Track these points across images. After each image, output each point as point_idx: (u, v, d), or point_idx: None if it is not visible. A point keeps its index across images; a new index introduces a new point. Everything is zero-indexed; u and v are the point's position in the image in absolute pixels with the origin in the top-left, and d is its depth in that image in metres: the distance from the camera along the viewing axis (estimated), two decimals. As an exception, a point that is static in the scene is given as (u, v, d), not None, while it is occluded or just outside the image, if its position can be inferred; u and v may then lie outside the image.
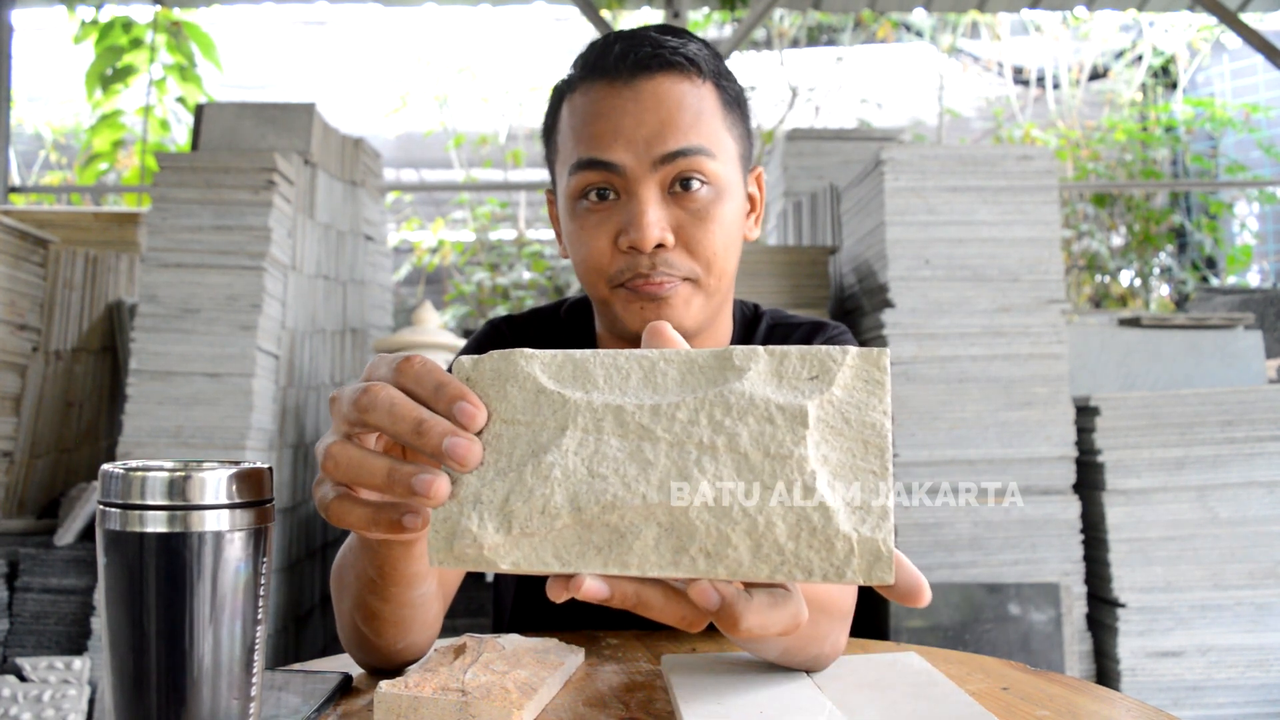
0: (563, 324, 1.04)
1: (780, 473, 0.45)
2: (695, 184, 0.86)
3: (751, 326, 1.04)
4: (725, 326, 1.00)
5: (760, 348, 0.48)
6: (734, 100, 0.92)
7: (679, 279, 0.87)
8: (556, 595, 0.45)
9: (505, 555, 0.46)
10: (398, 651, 0.76)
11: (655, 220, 0.84)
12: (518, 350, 0.50)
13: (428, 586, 0.72)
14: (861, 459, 0.45)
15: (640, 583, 0.46)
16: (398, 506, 0.51)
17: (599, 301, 0.91)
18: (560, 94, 0.93)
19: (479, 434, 0.49)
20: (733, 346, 0.49)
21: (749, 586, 0.47)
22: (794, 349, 0.48)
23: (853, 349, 0.47)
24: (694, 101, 0.86)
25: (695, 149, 0.85)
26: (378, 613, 0.71)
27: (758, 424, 0.46)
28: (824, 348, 0.48)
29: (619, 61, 0.86)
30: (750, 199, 0.96)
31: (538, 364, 0.49)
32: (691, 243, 0.87)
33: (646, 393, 0.48)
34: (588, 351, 0.49)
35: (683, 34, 0.90)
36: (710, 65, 0.89)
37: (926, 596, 0.46)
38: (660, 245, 0.85)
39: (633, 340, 0.91)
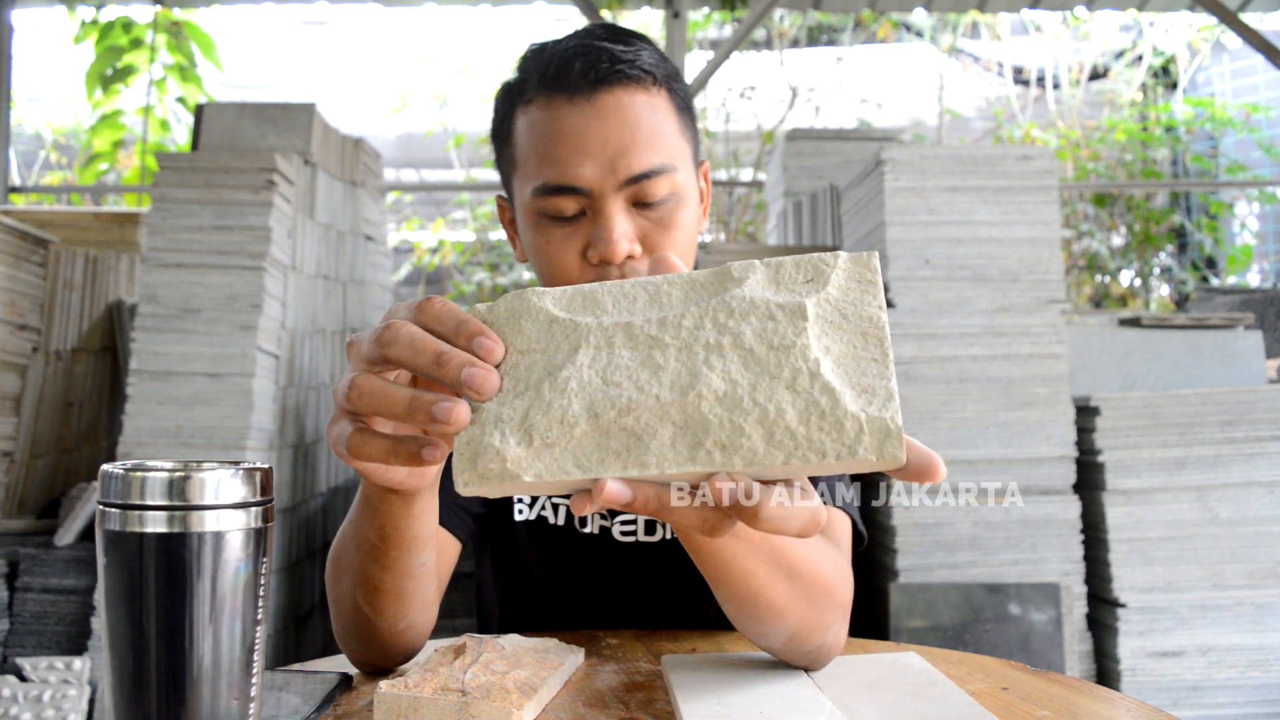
0: None
1: (785, 362, 0.47)
2: (658, 195, 0.88)
3: None
4: None
5: (756, 260, 0.51)
6: (685, 103, 0.93)
7: None
8: (580, 509, 0.46)
9: (528, 467, 0.47)
10: (398, 634, 0.76)
11: (624, 234, 0.86)
12: (530, 289, 0.52)
13: (428, 555, 0.73)
14: (862, 349, 0.47)
15: (661, 487, 0.47)
16: (418, 439, 0.52)
17: None
18: (512, 99, 0.92)
19: (496, 368, 0.51)
20: (730, 262, 0.51)
21: (766, 484, 0.48)
22: (788, 258, 0.50)
23: (843, 253, 0.50)
24: (652, 114, 0.88)
25: (660, 169, 0.86)
26: (379, 585, 0.72)
27: (759, 322, 0.48)
28: (816, 254, 0.50)
29: (580, 78, 0.86)
30: (699, 192, 0.98)
31: (549, 299, 0.52)
32: (657, 251, 0.87)
33: (653, 310, 0.51)
34: (596, 284, 0.52)
35: (630, 38, 0.90)
36: (662, 71, 0.90)
37: (941, 471, 0.46)
38: (629, 256, 0.87)
39: None
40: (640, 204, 0.88)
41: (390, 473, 0.62)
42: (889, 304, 2.25)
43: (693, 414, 0.46)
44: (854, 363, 0.47)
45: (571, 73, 0.86)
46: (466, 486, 0.48)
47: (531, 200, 0.88)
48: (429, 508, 0.70)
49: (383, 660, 0.79)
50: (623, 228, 0.86)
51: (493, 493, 0.49)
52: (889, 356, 0.46)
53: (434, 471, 0.67)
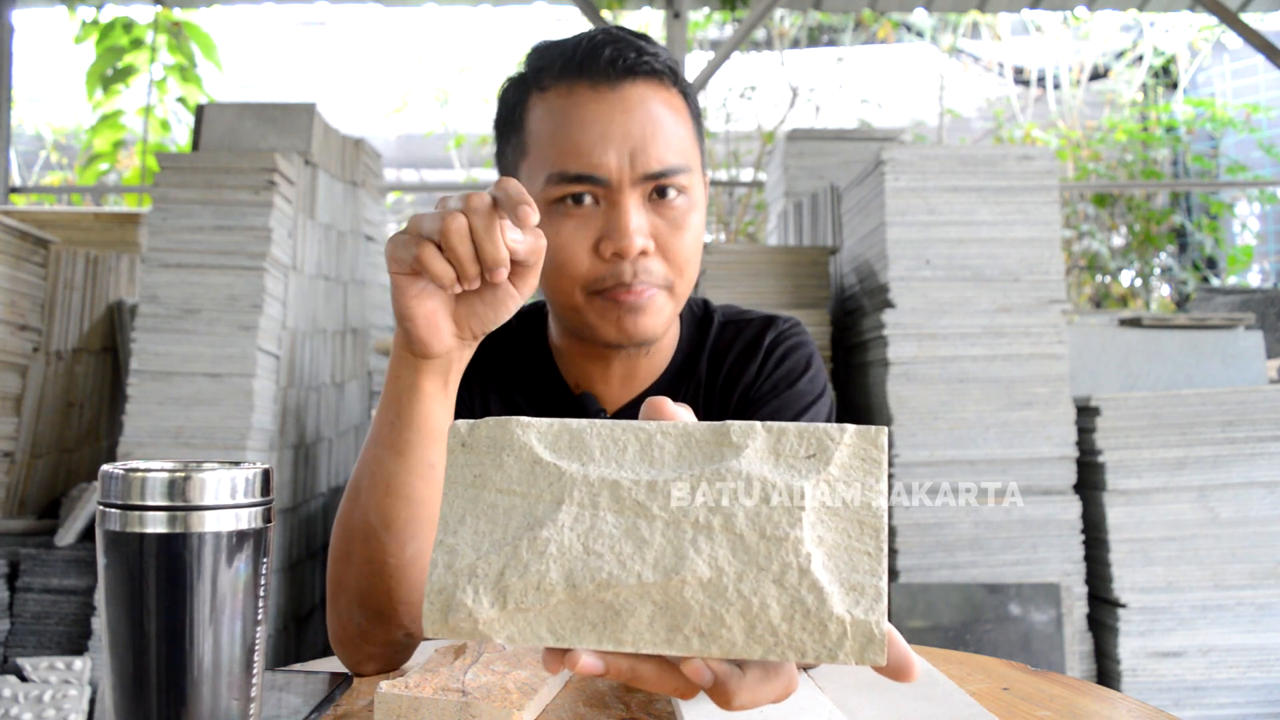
0: (514, 332, 1.03)
1: (775, 555, 0.45)
2: (673, 193, 0.88)
3: (703, 325, 1.04)
4: (675, 325, 1.01)
5: (759, 423, 0.48)
6: (696, 111, 0.94)
7: (656, 286, 0.88)
8: (552, 668, 0.46)
9: (500, 630, 0.46)
10: (404, 565, 0.74)
11: (639, 228, 0.85)
12: (514, 419, 0.50)
13: (438, 455, 0.74)
14: (857, 540, 0.45)
15: (635, 657, 0.47)
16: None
17: (568, 308, 0.91)
18: (525, 87, 0.91)
19: (475, 501, 0.49)
20: (730, 421, 0.49)
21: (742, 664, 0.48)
22: (791, 426, 0.48)
23: (851, 427, 0.47)
24: (673, 113, 0.88)
25: (678, 168, 0.87)
26: (393, 482, 0.73)
27: (754, 504, 0.46)
28: (823, 425, 0.48)
29: (608, 65, 0.86)
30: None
31: (534, 433, 0.50)
32: (668, 250, 0.88)
33: (643, 467, 0.48)
34: (584, 422, 0.50)
35: (649, 39, 0.91)
36: (681, 75, 0.91)
37: (915, 674, 0.47)
38: (641, 252, 0.86)
39: (600, 347, 0.92)
40: (655, 201, 0.87)
41: (424, 311, 0.70)
42: (889, 304, 2.25)
43: (674, 597, 0.45)
44: (846, 555, 0.45)
45: (599, 60, 0.86)
46: (436, 635, 0.47)
47: (544, 188, 0.87)
48: (442, 394, 0.74)
49: (386, 616, 0.76)
50: (638, 222, 0.85)
51: (461, 640, 0.48)
52: (883, 550, 0.45)
53: (449, 340, 0.72)
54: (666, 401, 0.53)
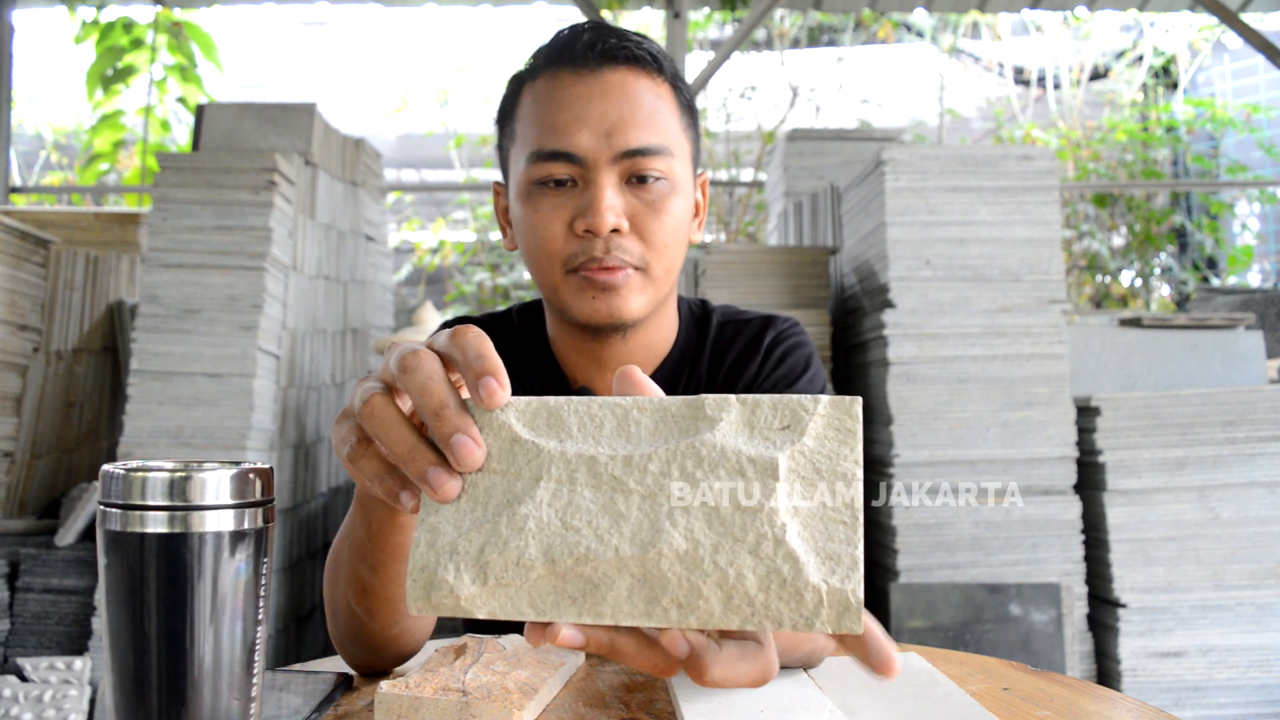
0: (515, 329, 1.05)
1: (751, 525, 0.45)
2: (651, 177, 0.89)
3: (702, 324, 1.05)
4: (670, 322, 1.01)
5: (733, 396, 0.49)
6: (688, 105, 0.95)
7: (631, 267, 0.89)
8: (534, 642, 0.47)
9: (481, 605, 0.47)
10: (392, 638, 0.75)
11: (612, 205, 0.87)
12: None
13: None
14: (832, 509, 0.46)
15: (614, 631, 0.47)
16: (403, 479, 0.52)
17: (549, 289, 0.92)
18: (520, 81, 0.94)
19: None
20: (705, 395, 0.49)
21: (722, 636, 0.48)
22: (765, 398, 0.48)
23: (825, 398, 0.48)
24: (655, 99, 0.89)
25: (655, 149, 0.88)
26: (367, 586, 0.71)
27: (728, 477, 0.47)
28: (796, 397, 0.48)
29: (587, 50, 0.88)
30: (695, 204, 0.98)
31: (513, 412, 0.50)
32: (645, 231, 0.89)
33: (620, 442, 0.49)
34: (562, 399, 0.50)
35: (638, 34, 0.93)
36: (669, 67, 0.92)
37: (896, 670, 0.47)
38: (615, 231, 0.88)
39: (581, 327, 0.93)
40: (633, 184, 0.88)
41: (379, 491, 0.60)
42: (889, 304, 2.25)
43: (651, 570, 0.45)
44: (822, 525, 0.45)
45: (578, 46, 0.89)
46: (420, 612, 0.48)
47: (526, 169, 0.89)
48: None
49: (377, 659, 0.78)
50: (611, 200, 0.87)
51: (444, 615, 0.49)
52: (859, 519, 0.45)
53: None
54: (637, 371, 0.53)
